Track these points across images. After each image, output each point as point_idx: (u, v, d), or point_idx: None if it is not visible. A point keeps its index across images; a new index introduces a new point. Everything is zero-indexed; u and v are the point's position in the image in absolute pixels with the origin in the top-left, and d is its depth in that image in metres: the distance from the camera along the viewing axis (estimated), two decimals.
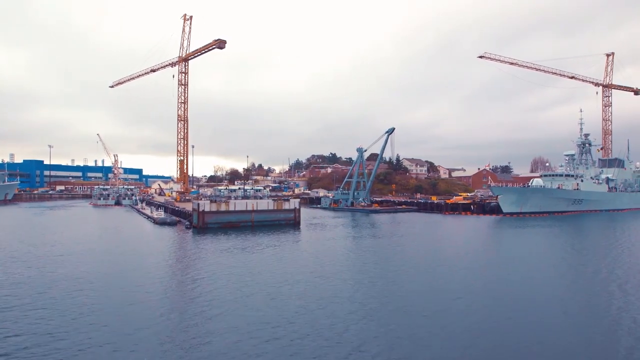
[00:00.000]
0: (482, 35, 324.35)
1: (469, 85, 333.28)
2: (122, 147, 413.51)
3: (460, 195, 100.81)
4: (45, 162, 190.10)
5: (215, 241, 41.82)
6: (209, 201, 54.69)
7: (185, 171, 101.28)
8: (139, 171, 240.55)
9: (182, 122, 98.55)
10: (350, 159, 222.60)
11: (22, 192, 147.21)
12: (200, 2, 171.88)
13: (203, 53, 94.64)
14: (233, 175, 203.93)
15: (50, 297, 20.97)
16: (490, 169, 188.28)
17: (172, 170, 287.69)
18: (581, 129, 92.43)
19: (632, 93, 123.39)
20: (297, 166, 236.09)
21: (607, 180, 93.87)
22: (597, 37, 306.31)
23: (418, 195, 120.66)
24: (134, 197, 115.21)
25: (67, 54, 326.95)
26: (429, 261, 32.04)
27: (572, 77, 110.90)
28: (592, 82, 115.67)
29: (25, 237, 45.51)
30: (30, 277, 25.58)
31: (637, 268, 29.59)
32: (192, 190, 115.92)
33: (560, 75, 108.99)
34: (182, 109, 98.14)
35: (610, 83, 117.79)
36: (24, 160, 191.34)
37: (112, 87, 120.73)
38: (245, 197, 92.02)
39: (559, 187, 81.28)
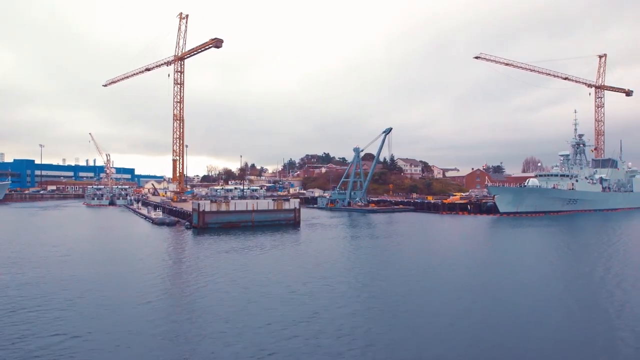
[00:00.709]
0: (474, 37, 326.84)
1: (461, 86, 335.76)
2: (112, 147, 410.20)
3: (457, 195, 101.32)
4: (36, 162, 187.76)
5: (217, 241, 41.53)
6: (209, 201, 54.40)
7: (181, 171, 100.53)
8: (131, 171, 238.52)
9: (177, 121, 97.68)
10: (343, 158, 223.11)
11: (13, 192, 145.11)
12: (193, 2, 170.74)
13: (199, 52, 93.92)
14: (228, 175, 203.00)
15: (65, 298, 20.66)
16: (485, 169, 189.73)
17: (164, 170, 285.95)
18: (575, 129, 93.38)
19: (624, 94, 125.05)
20: (290, 166, 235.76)
21: (601, 180, 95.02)
22: (586, 39, 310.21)
23: (414, 195, 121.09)
24: (128, 197, 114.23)
25: (58, 51, 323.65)
26: (431, 261, 32.10)
27: (565, 78, 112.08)
28: (585, 83, 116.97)
29: (25, 237, 44.91)
30: (39, 277, 25.17)
31: (633, 266, 30.12)
32: (187, 190, 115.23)
33: (554, 76, 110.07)
34: (178, 108, 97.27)
35: (602, 84, 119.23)
36: (14, 160, 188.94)
37: (105, 85, 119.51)
38: (242, 197, 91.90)
39: (554, 187, 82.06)
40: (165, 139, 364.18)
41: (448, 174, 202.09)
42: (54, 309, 18.91)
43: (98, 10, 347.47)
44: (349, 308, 19.36)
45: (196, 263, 30.64)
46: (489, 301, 20.84)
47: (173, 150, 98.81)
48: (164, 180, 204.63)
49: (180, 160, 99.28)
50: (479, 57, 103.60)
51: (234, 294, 21.73)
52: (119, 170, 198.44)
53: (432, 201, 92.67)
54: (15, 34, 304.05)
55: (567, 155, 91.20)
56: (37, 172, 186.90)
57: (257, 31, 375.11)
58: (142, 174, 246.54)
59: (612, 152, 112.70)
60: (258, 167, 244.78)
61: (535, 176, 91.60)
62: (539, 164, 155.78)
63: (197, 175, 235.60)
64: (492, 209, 77.96)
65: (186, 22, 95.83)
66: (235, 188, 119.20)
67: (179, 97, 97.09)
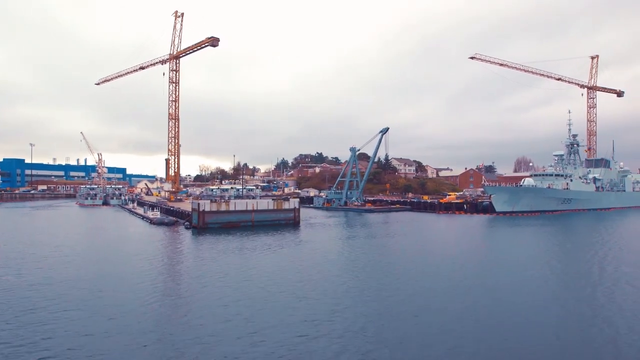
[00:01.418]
0: (467, 38, 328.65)
1: (453, 86, 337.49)
2: (102, 146, 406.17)
3: (453, 195, 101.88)
4: (26, 161, 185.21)
5: (220, 241, 41.24)
6: (209, 201, 54.00)
7: (176, 170, 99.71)
8: (122, 170, 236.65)
9: (173, 120, 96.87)
10: (336, 158, 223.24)
11: (3, 192, 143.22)
12: (185, 1, 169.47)
13: (195, 50, 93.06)
14: (223, 175, 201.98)
15: (78, 298, 20.37)
16: (482, 168, 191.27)
17: (156, 170, 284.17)
18: (569, 129, 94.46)
19: (615, 95, 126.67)
20: (283, 166, 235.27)
21: (594, 180, 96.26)
22: (577, 41, 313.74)
23: (410, 195, 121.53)
24: (122, 197, 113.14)
25: (49, 49, 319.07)
26: (431, 260, 32.14)
27: (559, 79, 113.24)
28: (578, 84, 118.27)
29: (24, 238, 44.21)
30: (46, 278, 24.78)
31: (628, 264, 30.61)
32: (181, 190, 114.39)
33: (548, 76, 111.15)
34: (174, 107, 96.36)
35: (595, 85, 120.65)
36: (4, 159, 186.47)
37: (98, 84, 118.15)
38: (238, 196, 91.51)
39: (549, 187, 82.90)
40: (156, 138, 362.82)
41: (441, 174, 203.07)
42: (66, 310, 18.61)
43: (91, 7, 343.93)
44: (352, 309, 19.26)
45: (201, 264, 30.34)
46: (490, 300, 20.90)
47: (168, 149, 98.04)
48: (156, 179, 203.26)
49: (176, 160, 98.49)
50: (475, 58, 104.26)
51: (244, 295, 21.56)
52: (111, 170, 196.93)
53: (429, 201, 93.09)
54: (5, 31, 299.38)
55: (562, 155, 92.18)
56: (28, 172, 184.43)
57: (248, 31, 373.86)
58: (134, 173, 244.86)
59: (605, 153, 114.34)
60: (250, 167, 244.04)
61: (531, 176, 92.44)
62: (531, 164, 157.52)
63: (189, 175, 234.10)
64: (488, 209, 78.54)
65: (182, 21, 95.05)
66: (232, 187, 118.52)
67: (174, 95, 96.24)
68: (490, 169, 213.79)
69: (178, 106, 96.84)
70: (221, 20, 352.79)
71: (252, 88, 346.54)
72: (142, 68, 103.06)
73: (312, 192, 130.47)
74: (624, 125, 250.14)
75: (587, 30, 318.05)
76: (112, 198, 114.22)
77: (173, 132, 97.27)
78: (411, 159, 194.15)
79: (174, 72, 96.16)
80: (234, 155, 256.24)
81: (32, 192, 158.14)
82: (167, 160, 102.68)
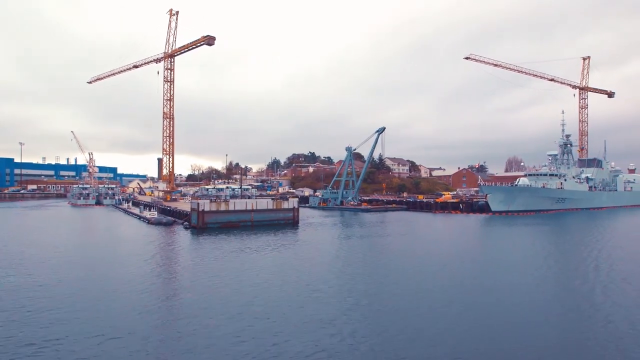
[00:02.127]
0: (459, 38, 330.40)
1: (445, 86, 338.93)
2: (92, 145, 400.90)
3: (448, 194, 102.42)
4: (15, 160, 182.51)
5: (221, 241, 40.95)
6: (208, 200, 53.61)
7: (170, 170, 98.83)
8: (113, 170, 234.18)
9: (167, 119, 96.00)
10: (329, 157, 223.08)
11: None
12: (176, 1, 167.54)
13: (191, 49, 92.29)
14: (218, 175, 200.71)
15: (92, 299, 20.06)
16: (474, 168, 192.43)
17: (147, 169, 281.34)
18: (563, 129, 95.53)
19: (606, 96, 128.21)
20: (275, 165, 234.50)
21: (587, 179, 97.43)
22: (565, 43, 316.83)
23: (405, 194, 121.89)
24: (116, 197, 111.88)
25: (39, 47, 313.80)
26: (430, 260, 32.17)
27: (552, 80, 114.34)
28: (570, 85, 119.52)
29: (22, 238, 43.52)
30: (52, 279, 24.37)
31: (622, 261, 31.22)
32: (175, 189, 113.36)
33: (541, 77, 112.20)
34: (168, 106, 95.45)
35: (586, 86, 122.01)
36: None
37: (90, 82, 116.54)
38: (233, 196, 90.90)
39: (543, 186, 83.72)
40: (147, 137, 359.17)
41: (434, 173, 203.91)
42: (68, 311, 18.32)
43: (84, 5, 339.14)
44: (353, 309, 19.27)
45: (204, 265, 29.97)
46: (489, 299, 21.07)
47: (163, 149, 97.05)
48: (148, 179, 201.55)
49: (171, 159, 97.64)
50: (470, 58, 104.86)
51: (248, 295, 21.42)
52: (102, 169, 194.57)
53: (425, 200, 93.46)
54: None
55: (555, 155, 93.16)
56: (17, 171, 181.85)
57: (240, 30, 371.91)
58: (125, 172, 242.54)
59: (597, 153, 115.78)
60: (242, 166, 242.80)
61: (525, 175, 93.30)
62: (522, 164, 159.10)
63: (180, 175, 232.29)
64: (484, 208, 79.08)
65: (176, 19, 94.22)
66: (227, 187, 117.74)
67: (169, 94, 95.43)
68: (482, 169, 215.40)
69: (173, 105, 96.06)
70: (212, 18, 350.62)
71: (243, 87, 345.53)
72: (136, 67, 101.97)
73: (307, 192, 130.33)
74: (614, 125, 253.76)
75: (577, 31, 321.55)
76: (105, 198, 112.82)
77: (168, 131, 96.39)
78: (405, 159, 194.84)
79: (169, 71, 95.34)
80: (227, 155, 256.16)
81: (22, 191, 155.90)
82: (160, 160, 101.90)
